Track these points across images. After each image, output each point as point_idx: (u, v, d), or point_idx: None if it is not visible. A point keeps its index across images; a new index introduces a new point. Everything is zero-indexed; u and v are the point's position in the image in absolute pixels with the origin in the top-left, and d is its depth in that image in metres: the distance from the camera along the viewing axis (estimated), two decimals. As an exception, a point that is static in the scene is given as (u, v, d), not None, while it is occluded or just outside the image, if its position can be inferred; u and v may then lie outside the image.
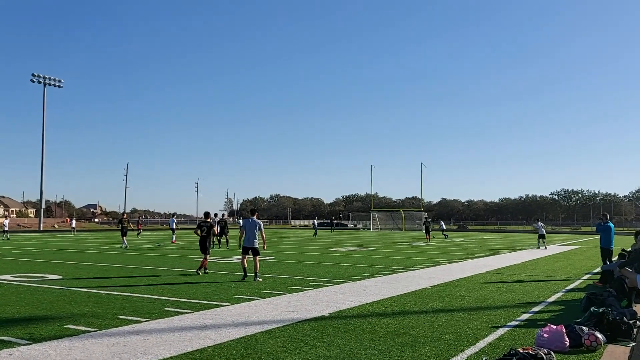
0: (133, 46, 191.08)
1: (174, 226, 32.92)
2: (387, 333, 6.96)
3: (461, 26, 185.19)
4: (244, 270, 12.74)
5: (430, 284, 12.21)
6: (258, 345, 6.23)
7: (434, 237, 40.88)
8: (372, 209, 78.80)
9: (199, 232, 14.53)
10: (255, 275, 12.43)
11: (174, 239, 31.90)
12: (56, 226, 78.78)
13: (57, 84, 71.40)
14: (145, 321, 7.53)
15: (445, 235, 45.36)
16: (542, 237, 29.08)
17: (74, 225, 53.69)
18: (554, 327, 6.38)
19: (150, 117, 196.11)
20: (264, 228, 15.11)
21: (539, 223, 29.66)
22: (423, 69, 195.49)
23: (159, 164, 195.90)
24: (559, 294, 11.02)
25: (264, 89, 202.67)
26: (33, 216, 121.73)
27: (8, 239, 36.51)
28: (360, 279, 12.96)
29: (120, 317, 7.84)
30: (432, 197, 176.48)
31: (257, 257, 12.78)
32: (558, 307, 9.34)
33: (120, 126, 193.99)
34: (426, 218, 46.65)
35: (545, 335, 6.25)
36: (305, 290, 10.94)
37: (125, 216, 28.53)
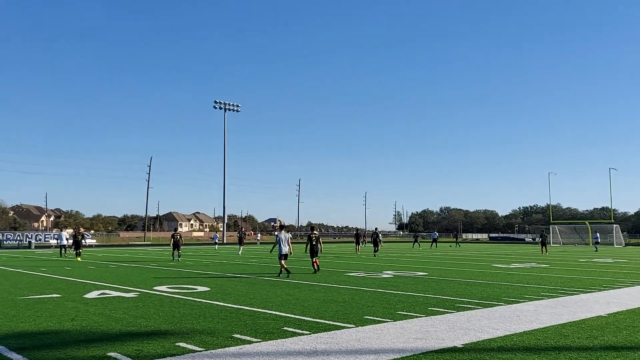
0: (298, 71, 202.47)
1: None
2: (527, 376, 5.53)
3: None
4: (283, 270, 17.27)
5: (606, 312, 10.01)
6: (360, 381, 5.31)
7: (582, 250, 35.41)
8: (552, 221, 71.64)
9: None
10: (287, 272, 17.12)
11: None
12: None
13: (235, 108, 78.10)
14: (256, 342, 7.07)
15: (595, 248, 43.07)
16: None
17: (258, 237, 60.66)
18: None
19: (319, 135, 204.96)
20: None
21: None
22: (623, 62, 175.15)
23: (329, 179, 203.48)
24: None
25: (431, 103, 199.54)
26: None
27: (216, 249, 41.28)
28: (518, 302, 11.18)
29: (235, 335, 7.51)
30: (629, 207, 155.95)
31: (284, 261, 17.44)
32: None
33: (293, 141, 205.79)
34: (542, 231, 41.93)
35: None
36: (447, 313, 9.65)
37: (244, 228, 34.42)
